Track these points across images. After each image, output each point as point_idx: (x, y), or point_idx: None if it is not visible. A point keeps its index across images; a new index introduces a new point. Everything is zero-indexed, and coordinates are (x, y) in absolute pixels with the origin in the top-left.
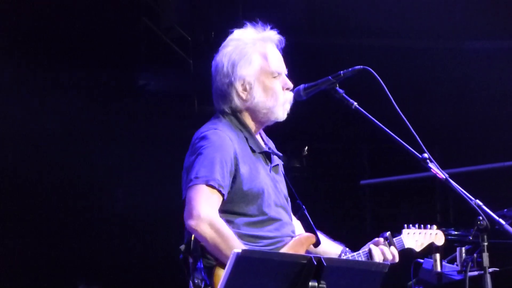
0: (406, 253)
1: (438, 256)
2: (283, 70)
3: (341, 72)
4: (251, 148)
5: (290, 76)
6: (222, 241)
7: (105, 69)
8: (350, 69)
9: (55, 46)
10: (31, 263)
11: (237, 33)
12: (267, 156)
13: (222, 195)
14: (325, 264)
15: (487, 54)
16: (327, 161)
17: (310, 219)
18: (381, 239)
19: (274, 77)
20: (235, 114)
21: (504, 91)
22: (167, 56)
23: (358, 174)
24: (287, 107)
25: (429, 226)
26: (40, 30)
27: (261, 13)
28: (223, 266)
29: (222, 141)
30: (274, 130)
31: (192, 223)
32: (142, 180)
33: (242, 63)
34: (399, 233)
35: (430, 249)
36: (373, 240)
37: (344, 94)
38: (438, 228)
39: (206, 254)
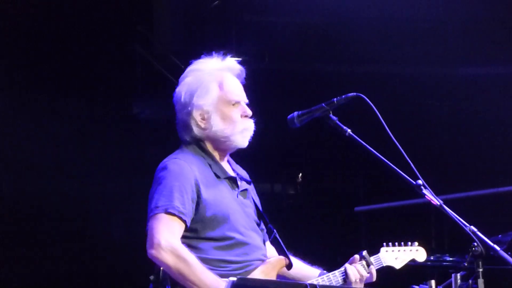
0: (401, 280)
1: (433, 282)
2: (242, 98)
3: (335, 99)
4: (215, 174)
5: (283, 102)
6: (185, 267)
7: (99, 97)
8: (343, 96)
9: (48, 75)
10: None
11: (196, 63)
12: (233, 181)
13: (184, 221)
14: None
15: (481, 79)
16: (321, 188)
17: (282, 242)
18: (357, 257)
19: (233, 105)
20: (197, 142)
21: (498, 117)
22: (160, 84)
23: (353, 200)
24: (247, 134)
25: (409, 243)
26: (33, 57)
27: (254, 41)
28: None
29: (181, 169)
30: (268, 157)
31: (153, 251)
32: (138, 209)
33: (199, 92)
34: (378, 251)
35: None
36: (350, 259)
37: (337, 121)
38: (433, 253)
39: (175, 285)
